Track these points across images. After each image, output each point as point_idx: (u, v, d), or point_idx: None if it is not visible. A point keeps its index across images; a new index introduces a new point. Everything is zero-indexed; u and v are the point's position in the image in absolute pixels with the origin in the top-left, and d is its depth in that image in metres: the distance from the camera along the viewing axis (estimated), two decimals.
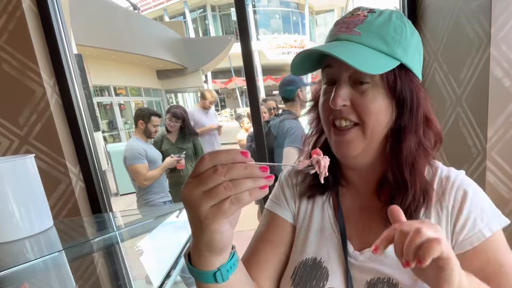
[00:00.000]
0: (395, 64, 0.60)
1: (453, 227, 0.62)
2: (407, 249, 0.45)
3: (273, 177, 0.45)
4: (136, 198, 3.17)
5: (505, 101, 1.11)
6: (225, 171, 0.42)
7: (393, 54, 0.60)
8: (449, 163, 1.37)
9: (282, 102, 2.87)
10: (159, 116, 3.11)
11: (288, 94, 2.62)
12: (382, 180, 0.67)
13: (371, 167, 0.68)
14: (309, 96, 2.94)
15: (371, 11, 0.63)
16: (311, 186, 0.75)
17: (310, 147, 0.76)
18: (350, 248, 0.68)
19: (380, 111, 0.62)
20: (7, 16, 1.41)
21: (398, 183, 0.64)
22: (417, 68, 0.65)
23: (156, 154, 3.13)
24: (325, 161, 0.54)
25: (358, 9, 0.65)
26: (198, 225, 0.45)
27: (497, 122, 1.12)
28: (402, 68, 0.62)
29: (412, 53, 0.63)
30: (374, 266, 0.63)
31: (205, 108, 4.35)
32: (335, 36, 0.64)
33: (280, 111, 3.50)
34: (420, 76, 0.66)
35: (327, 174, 0.55)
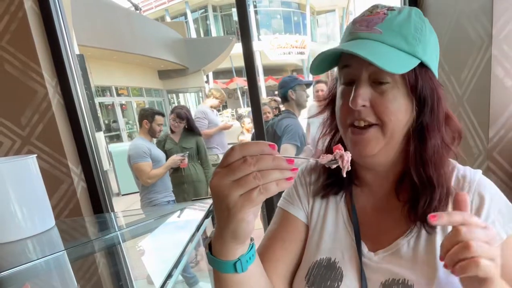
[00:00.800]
0: (416, 62, 0.60)
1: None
2: (450, 255, 0.46)
3: (298, 169, 0.48)
4: (139, 198, 3.20)
5: (506, 101, 1.11)
6: (254, 162, 0.44)
7: (414, 53, 0.60)
8: None
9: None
10: (163, 115, 3.15)
11: (283, 95, 2.73)
12: (401, 179, 0.67)
13: (389, 167, 0.68)
14: (309, 93, 2.96)
15: (390, 9, 0.62)
16: (325, 186, 0.74)
17: (325, 146, 0.75)
18: (365, 248, 0.67)
19: (400, 111, 0.61)
20: (9, 17, 1.42)
21: (423, 182, 0.63)
22: (435, 66, 0.64)
23: (160, 154, 3.16)
24: (348, 156, 0.55)
25: (377, 6, 0.64)
26: (226, 213, 0.46)
27: (498, 122, 1.12)
28: (422, 66, 0.61)
29: (431, 51, 0.62)
30: (389, 267, 0.63)
31: (215, 108, 4.38)
32: (355, 34, 0.62)
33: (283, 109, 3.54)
34: (437, 74, 0.65)
35: (350, 168, 0.55)
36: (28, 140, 1.52)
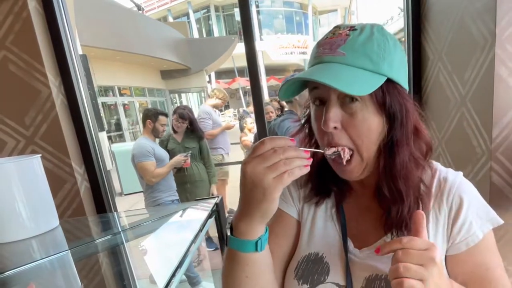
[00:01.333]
0: (382, 80, 0.61)
1: (451, 230, 0.65)
2: (389, 274, 0.54)
3: (312, 159, 0.57)
4: (142, 197, 3.23)
5: (510, 101, 1.10)
6: (282, 152, 0.55)
7: (379, 71, 0.61)
8: (453, 164, 1.37)
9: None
10: (166, 115, 3.20)
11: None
12: (379, 188, 0.70)
13: (369, 178, 0.70)
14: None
15: (352, 28, 0.63)
16: (314, 190, 0.78)
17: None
18: (351, 245, 0.71)
19: (371, 130, 0.63)
20: (13, 17, 1.43)
21: (393, 195, 0.66)
22: (403, 79, 0.65)
23: (163, 153, 3.20)
24: (348, 151, 0.65)
25: (339, 27, 0.65)
26: (261, 194, 0.55)
27: (501, 122, 1.12)
28: (389, 82, 0.62)
29: (397, 65, 0.63)
30: (373, 263, 0.67)
31: (217, 108, 4.39)
32: (319, 58, 0.64)
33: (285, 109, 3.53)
34: (406, 87, 0.66)
35: (349, 158, 0.65)
36: (32, 140, 1.53)
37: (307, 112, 0.76)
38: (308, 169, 0.57)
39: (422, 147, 0.68)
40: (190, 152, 3.34)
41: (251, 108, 5.87)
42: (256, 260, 0.64)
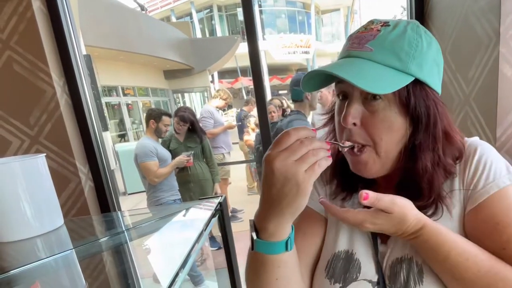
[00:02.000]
0: (408, 80, 0.59)
1: (467, 184, 0.64)
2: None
3: (330, 151, 0.56)
4: (145, 197, 3.25)
5: None
6: (308, 143, 0.53)
7: (406, 70, 0.59)
8: None
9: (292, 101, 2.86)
10: (169, 116, 3.22)
11: (297, 94, 2.59)
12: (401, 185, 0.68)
13: (391, 175, 0.68)
14: (318, 96, 2.93)
15: (385, 24, 0.61)
16: (340, 186, 0.77)
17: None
18: (378, 240, 0.70)
19: (392, 130, 0.62)
20: (17, 18, 1.43)
21: (414, 193, 0.64)
22: (435, 81, 0.63)
23: (166, 153, 3.22)
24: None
25: (372, 22, 0.63)
26: (295, 189, 0.52)
27: (506, 121, 1.11)
28: (417, 83, 0.60)
29: (429, 66, 0.61)
30: (392, 249, 0.67)
31: (220, 108, 4.42)
32: (346, 52, 0.63)
33: (289, 111, 3.50)
34: (439, 89, 0.64)
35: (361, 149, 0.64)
36: (36, 140, 1.54)
37: (333, 106, 0.74)
38: (331, 160, 0.55)
39: (454, 153, 0.66)
40: (192, 151, 3.36)
41: (248, 107, 5.87)
42: (286, 260, 0.61)
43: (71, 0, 1.59)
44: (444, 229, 0.59)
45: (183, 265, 0.91)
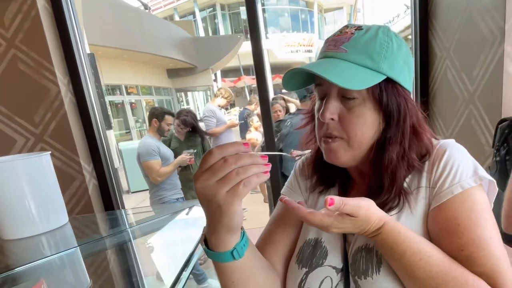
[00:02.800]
0: (380, 78, 0.63)
1: (434, 182, 0.65)
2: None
3: (270, 165, 0.53)
4: (149, 195, 3.26)
5: None
6: (234, 160, 0.50)
7: (378, 69, 0.63)
8: None
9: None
10: (172, 115, 3.20)
11: (303, 93, 2.65)
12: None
13: (362, 168, 0.73)
14: None
15: (359, 28, 0.66)
16: (319, 181, 0.80)
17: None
18: None
19: (366, 125, 0.66)
20: (22, 16, 1.44)
21: (377, 186, 0.68)
22: (405, 80, 0.67)
23: (168, 152, 3.22)
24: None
25: (347, 26, 0.68)
26: (218, 211, 0.51)
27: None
28: (389, 81, 0.65)
29: (400, 66, 0.65)
30: (356, 238, 0.69)
31: (222, 107, 4.43)
32: (323, 53, 0.68)
33: (293, 110, 3.50)
34: (409, 88, 0.68)
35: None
36: (41, 138, 1.55)
37: (313, 107, 0.77)
38: (267, 176, 0.52)
39: (421, 149, 0.69)
40: (194, 150, 3.36)
41: (253, 107, 5.88)
42: (239, 266, 0.62)
43: None
44: (403, 228, 0.61)
45: (186, 264, 0.91)
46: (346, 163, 0.70)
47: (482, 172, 0.63)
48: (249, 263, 0.64)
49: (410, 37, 1.63)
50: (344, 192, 0.78)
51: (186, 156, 3.22)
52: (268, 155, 0.54)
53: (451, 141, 0.70)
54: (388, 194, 0.66)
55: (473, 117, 1.25)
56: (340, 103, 0.66)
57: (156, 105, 15.75)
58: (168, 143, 3.42)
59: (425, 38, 1.54)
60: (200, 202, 0.53)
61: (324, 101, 0.67)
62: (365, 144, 0.67)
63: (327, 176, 0.79)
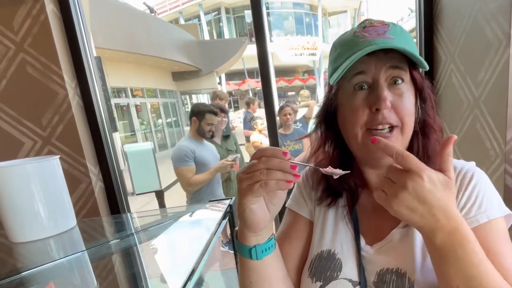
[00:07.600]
0: (425, 64, 0.64)
1: (460, 207, 0.64)
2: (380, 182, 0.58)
3: (300, 176, 0.55)
4: (154, 198, 3.06)
5: None
6: (264, 161, 0.54)
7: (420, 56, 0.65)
8: None
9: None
10: (215, 114, 2.82)
11: None
12: None
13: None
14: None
15: (381, 22, 0.68)
16: (325, 192, 0.79)
17: (330, 156, 0.78)
18: (363, 241, 0.71)
19: (413, 111, 0.67)
20: (31, 20, 1.46)
21: None
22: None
23: (208, 156, 2.79)
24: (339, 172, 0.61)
25: (370, 20, 0.68)
26: (238, 201, 0.58)
27: None
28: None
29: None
30: (384, 258, 0.67)
31: None
32: (370, 41, 0.63)
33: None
34: None
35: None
36: (48, 141, 1.56)
37: (326, 108, 0.74)
38: (289, 186, 0.54)
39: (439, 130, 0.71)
40: (238, 154, 2.95)
41: (252, 108, 5.89)
42: (255, 268, 0.65)
43: (82, 2, 1.62)
44: (478, 245, 0.54)
45: (195, 268, 0.91)
46: (390, 159, 0.64)
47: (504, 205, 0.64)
48: (269, 270, 0.66)
49: (414, 40, 1.63)
50: (353, 203, 0.76)
51: (227, 162, 2.75)
52: (300, 165, 0.57)
53: (475, 167, 0.69)
54: None
55: (478, 122, 1.25)
56: (389, 90, 0.64)
57: (161, 107, 15.81)
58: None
59: (430, 41, 1.54)
60: None
61: (374, 90, 0.64)
62: (410, 133, 0.67)
63: (334, 187, 0.77)
